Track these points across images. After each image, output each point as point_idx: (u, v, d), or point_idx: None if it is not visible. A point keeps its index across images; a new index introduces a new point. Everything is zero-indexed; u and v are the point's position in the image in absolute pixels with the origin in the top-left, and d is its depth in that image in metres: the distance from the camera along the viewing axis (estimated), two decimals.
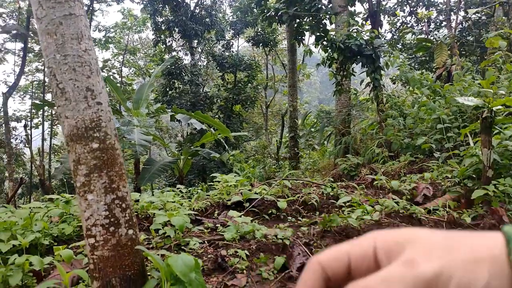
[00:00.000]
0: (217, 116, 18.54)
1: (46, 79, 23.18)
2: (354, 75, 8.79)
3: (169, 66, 16.88)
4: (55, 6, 1.89)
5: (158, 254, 2.54)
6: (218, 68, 19.15)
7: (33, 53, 21.93)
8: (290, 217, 4.07)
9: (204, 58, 21.05)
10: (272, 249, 2.97)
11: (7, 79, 23.58)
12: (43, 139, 21.96)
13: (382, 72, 8.41)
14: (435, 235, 0.36)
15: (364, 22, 11.84)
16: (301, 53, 16.77)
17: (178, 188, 5.73)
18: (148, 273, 2.36)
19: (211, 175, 7.33)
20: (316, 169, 10.79)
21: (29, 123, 23.90)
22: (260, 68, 20.46)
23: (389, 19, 16.58)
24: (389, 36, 17.36)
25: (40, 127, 24.30)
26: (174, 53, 19.48)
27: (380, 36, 8.55)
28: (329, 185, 4.77)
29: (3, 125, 21.68)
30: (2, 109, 15.64)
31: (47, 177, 22.64)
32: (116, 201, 2.00)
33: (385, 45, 9.13)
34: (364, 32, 8.62)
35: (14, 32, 14.17)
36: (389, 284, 0.32)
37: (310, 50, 8.88)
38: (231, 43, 19.93)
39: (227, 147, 13.90)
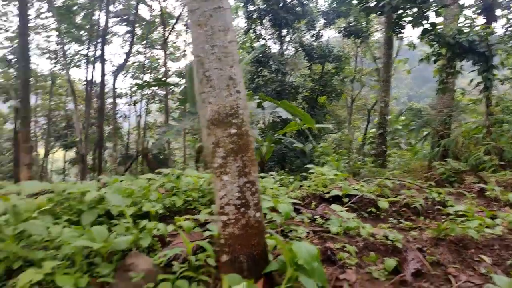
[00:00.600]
0: (301, 106, 18.46)
1: (146, 61, 25.18)
2: (462, 73, 8.08)
3: (257, 54, 17.16)
4: None
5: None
6: (306, 58, 18.96)
7: (136, 37, 23.89)
8: (391, 218, 3.93)
9: (292, 47, 20.99)
10: (380, 250, 2.90)
11: (110, 58, 26.08)
12: (140, 116, 24.01)
13: (495, 71, 7.62)
14: None
15: (475, 16, 10.77)
16: (396, 47, 15.85)
17: (271, 175, 5.86)
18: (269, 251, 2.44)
19: (304, 166, 7.35)
20: (406, 170, 10.23)
21: (129, 100, 26.28)
22: (348, 60, 19.83)
23: (503, 12, 14.82)
24: (499, 32, 15.55)
25: (137, 105, 26.54)
26: (263, 41, 19.74)
27: (494, 32, 7.71)
28: (434, 189, 4.49)
29: (107, 100, 24.15)
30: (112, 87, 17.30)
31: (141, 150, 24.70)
32: (248, 184, 2.10)
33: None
34: (477, 27, 7.86)
35: (124, 17, 15.53)
36: None
37: (414, 45, 8.34)
38: (320, 34, 19.55)
39: (311, 137, 13.81)
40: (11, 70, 24.59)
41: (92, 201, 3.07)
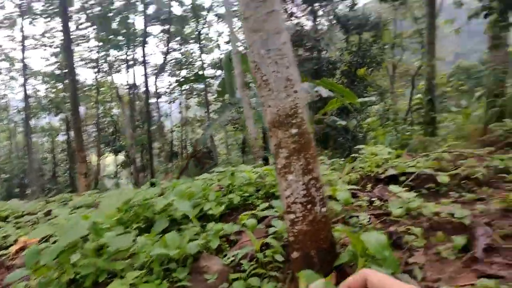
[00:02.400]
0: (340, 81, 18.06)
1: (181, 57, 25.68)
2: None
3: (291, 33, 16.90)
4: (260, 5, 2.06)
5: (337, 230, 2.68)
6: (341, 30, 18.41)
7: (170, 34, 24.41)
8: (452, 192, 3.83)
9: (326, 21, 20.42)
10: (446, 228, 2.86)
11: (148, 60, 26.91)
12: (181, 112, 24.68)
13: None
14: None
15: None
16: (438, 3, 14.89)
17: (321, 160, 5.87)
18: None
19: (348, 144, 7.27)
20: (459, 136, 9.78)
21: (168, 98, 27.01)
22: (387, 26, 18.98)
23: None
24: None
25: (176, 101, 27.23)
26: (295, 20, 19.35)
27: None
28: (496, 156, 4.30)
29: (155, 102, 25.00)
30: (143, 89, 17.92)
31: (185, 147, 25.45)
32: (312, 181, 2.16)
33: None
34: None
35: (160, 17, 15.85)
36: None
37: (460, 2, 7.84)
38: (355, 2, 18.82)
39: (354, 113, 13.55)
40: (59, 85, 26.07)
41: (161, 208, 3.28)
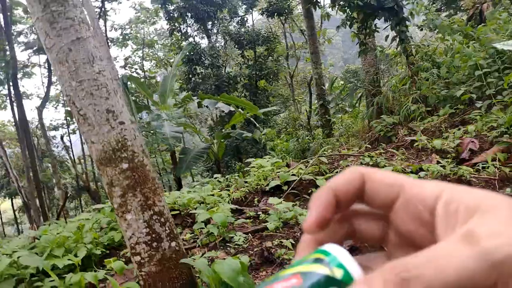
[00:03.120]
0: (242, 94, 18.44)
1: None
2: (378, 31, 8.33)
3: (187, 53, 16.81)
4: (62, 33, 1.85)
5: (205, 257, 2.56)
6: (236, 46, 18.87)
7: None
8: None
9: (221, 38, 20.79)
10: None
11: (38, 92, 24.53)
12: (82, 144, 22.83)
13: (408, 22, 7.92)
14: None
15: None
16: (319, 17, 16.10)
17: (215, 178, 5.78)
18: (197, 275, 2.39)
19: (247, 159, 7.33)
20: (350, 134, 10.54)
21: (65, 130, 24.95)
22: (278, 39, 19.95)
23: None
24: None
25: (78, 132, 25.20)
26: (190, 39, 19.36)
27: None
28: (367, 154, 4.61)
29: (43, 137, 22.73)
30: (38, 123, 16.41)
31: (92, 179, 23.69)
32: (154, 216, 2.00)
33: None
34: None
35: (36, 47, 14.55)
36: (439, 267, 0.23)
37: (328, 14, 8.48)
38: (245, 19, 19.50)
39: (257, 124, 13.85)
40: None
41: (8, 267, 2.83)
